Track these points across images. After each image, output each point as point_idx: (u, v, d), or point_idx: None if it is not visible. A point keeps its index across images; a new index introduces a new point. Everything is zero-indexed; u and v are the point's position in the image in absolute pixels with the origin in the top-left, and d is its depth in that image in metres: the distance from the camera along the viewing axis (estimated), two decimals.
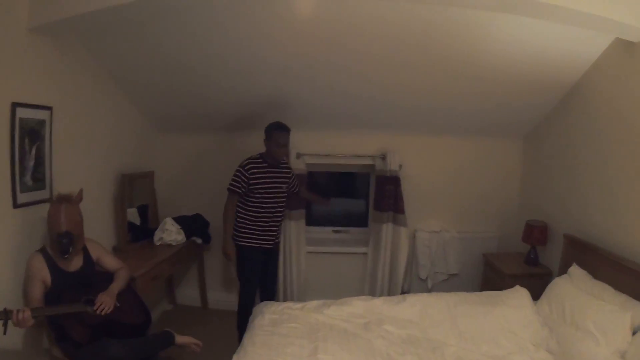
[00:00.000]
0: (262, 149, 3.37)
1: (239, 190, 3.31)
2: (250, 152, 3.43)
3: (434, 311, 2.83)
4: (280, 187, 3.44)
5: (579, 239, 3.09)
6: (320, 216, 4.52)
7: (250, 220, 3.39)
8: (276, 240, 3.60)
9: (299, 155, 3.93)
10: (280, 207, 3.50)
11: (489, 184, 4.15)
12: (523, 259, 3.62)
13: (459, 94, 3.40)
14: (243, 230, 3.40)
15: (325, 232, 4.46)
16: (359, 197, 4.59)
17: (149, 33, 2.78)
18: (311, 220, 4.40)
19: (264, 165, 3.36)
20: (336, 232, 4.47)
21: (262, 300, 3.50)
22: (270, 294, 3.66)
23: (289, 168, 3.60)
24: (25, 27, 2.39)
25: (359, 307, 2.91)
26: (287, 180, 3.50)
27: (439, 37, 2.78)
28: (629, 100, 2.69)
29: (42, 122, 2.57)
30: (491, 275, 3.72)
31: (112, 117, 3.39)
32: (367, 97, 3.51)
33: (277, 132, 3.28)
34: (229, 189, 3.33)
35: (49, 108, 2.62)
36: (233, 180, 3.31)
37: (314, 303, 2.98)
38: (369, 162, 4.09)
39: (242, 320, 3.37)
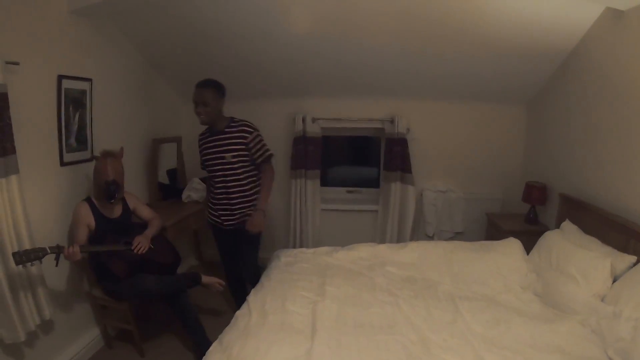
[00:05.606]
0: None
1: (201, 165, 3.10)
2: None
3: (432, 256, 3.08)
4: (222, 158, 2.89)
5: (573, 197, 3.26)
6: (336, 179, 4.79)
7: (210, 194, 3.15)
8: (233, 223, 3.03)
9: (314, 120, 4.18)
10: (231, 183, 2.93)
11: (494, 147, 4.29)
12: (523, 219, 3.81)
13: (461, 61, 3.54)
14: (208, 203, 3.20)
15: (340, 192, 4.72)
16: (372, 165, 4.79)
17: (172, 10, 3.08)
18: (327, 182, 4.68)
19: (207, 134, 2.99)
20: (350, 192, 4.70)
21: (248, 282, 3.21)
22: (249, 280, 3.16)
23: (243, 132, 2.89)
24: (66, 10, 2.76)
25: (364, 251, 3.19)
26: (231, 149, 2.88)
27: (440, 7, 2.95)
28: (618, 66, 2.79)
29: (83, 92, 2.94)
30: (493, 233, 3.90)
31: (142, 88, 3.76)
32: (376, 66, 3.70)
33: (195, 89, 2.87)
34: None
35: (89, 80, 2.99)
36: None
37: (324, 248, 3.27)
38: (379, 125, 4.28)
39: (233, 294, 3.38)
